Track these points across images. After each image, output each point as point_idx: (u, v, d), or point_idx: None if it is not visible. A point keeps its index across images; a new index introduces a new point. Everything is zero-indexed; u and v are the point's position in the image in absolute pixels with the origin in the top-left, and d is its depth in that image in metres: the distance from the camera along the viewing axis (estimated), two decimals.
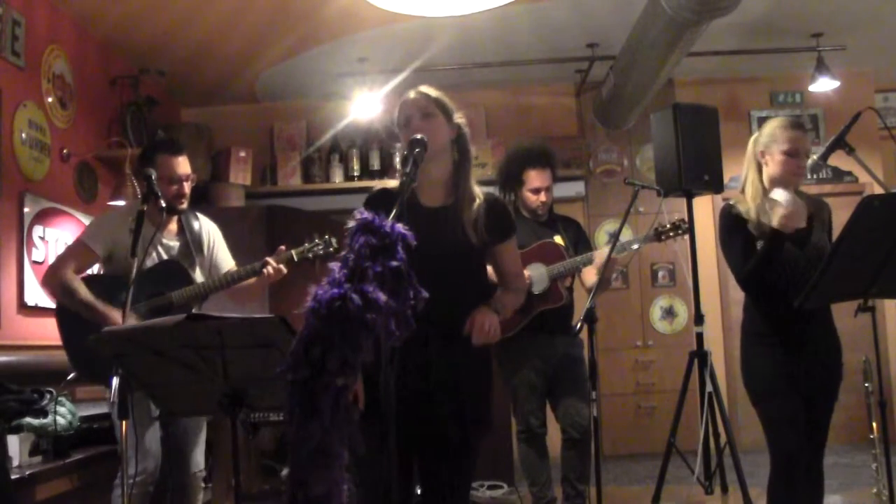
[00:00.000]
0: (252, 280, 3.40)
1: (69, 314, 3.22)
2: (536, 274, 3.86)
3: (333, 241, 3.40)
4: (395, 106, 2.53)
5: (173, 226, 3.39)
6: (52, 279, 3.26)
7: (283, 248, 3.39)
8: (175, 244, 3.37)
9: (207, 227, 3.49)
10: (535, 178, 3.96)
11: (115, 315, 3.02)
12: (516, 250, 2.58)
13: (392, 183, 2.59)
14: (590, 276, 3.88)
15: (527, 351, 3.86)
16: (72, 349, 3.22)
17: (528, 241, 3.94)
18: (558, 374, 3.88)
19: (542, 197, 3.97)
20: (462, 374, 2.34)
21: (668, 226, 3.99)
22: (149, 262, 3.25)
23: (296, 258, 3.40)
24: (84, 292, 3.17)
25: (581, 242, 4.07)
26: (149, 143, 3.58)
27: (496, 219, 2.45)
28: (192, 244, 3.38)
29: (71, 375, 3.30)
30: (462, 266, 2.37)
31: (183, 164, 3.32)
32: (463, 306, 2.35)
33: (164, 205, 3.12)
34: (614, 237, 3.67)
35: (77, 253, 3.30)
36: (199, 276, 3.38)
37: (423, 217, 2.12)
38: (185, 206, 3.34)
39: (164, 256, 3.32)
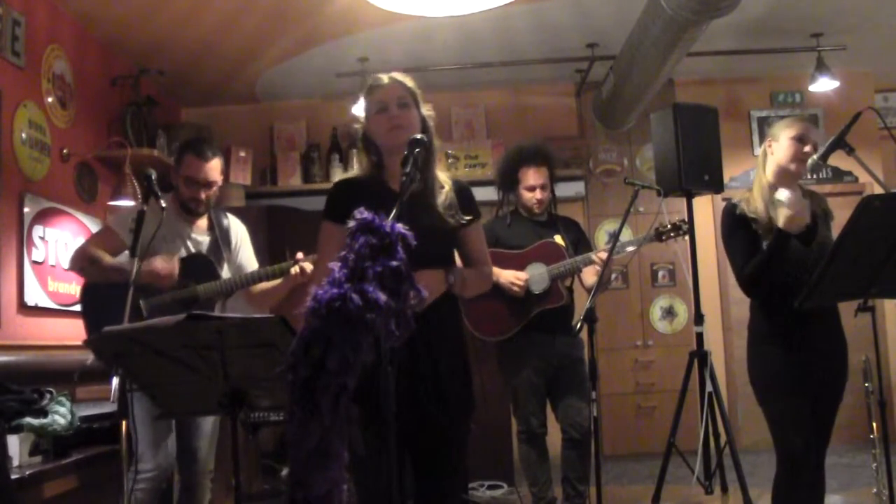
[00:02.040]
0: (277, 281, 3.37)
1: (94, 303, 3.25)
2: (537, 273, 3.87)
3: None
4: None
5: (203, 222, 3.43)
6: (78, 255, 3.32)
7: (300, 255, 3.30)
8: (205, 239, 3.41)
9: (236, 227, 3.53)
10: (529, 175, 3.97)
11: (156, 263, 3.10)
12: (483, 235, 2.59)
13: (351, 173, 2.56)
14: (590, 276, 3.88)
15: (527, 351, 3.86)
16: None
17: (528, 240, 3.94)
18: (559, 375, 3.88)
19: (538, 195, 3.97)
20: (439, 358, 2.34)
21: (669, 226, 3.99)
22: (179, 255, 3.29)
23: None
24: (109, 258, 3.22)
25: (581, 243, 4.07)
26: (184, 141, 3.61)
27: (466, 201, 2.47)
28: (220, 241, 3.41)
29: (90, 360, 3.30)
30: (435, 249, 2.35)
31: (208, 171, 3.31)
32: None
33: (164, 205, 3.12)
34: (614, 237, 3.68)
35: (104, 237, 3.37)
36: (226, 272, 3.41)
37: (394, 201, 2.11)
38: (201, 210, 3.36)
39: (194, 252, 3.35)
